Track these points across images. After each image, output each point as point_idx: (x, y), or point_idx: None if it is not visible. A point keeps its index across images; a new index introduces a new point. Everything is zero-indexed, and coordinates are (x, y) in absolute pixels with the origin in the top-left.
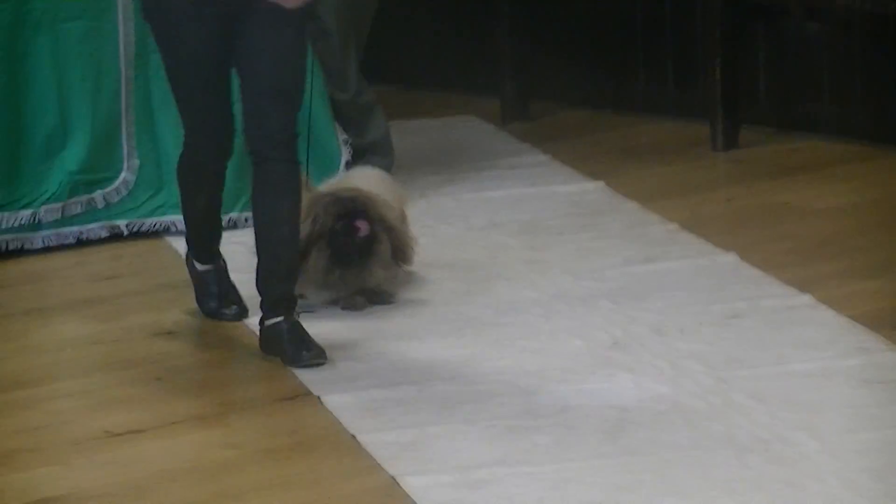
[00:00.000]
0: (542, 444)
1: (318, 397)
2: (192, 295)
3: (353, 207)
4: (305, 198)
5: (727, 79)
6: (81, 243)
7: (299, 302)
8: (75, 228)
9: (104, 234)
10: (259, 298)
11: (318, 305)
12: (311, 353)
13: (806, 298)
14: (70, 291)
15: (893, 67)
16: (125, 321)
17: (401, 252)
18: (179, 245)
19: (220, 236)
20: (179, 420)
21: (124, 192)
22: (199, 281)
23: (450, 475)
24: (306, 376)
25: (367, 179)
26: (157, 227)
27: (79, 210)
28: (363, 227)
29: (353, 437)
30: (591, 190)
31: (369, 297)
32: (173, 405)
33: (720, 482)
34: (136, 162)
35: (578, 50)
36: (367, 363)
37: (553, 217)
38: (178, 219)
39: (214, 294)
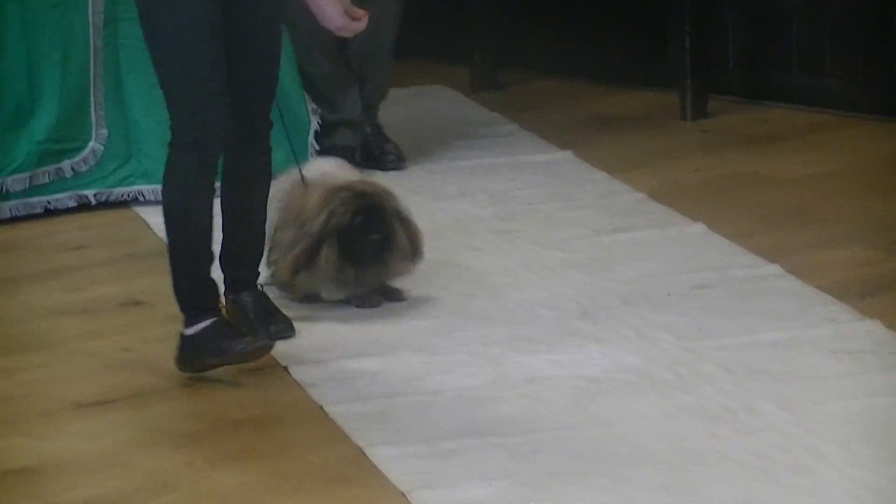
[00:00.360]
0: (511, 415)
1: (286, 368)
2: (162, 264)
3: (370, 204)
4: (319, 189)
5: (696, 48)
6: (49, 213)
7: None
8: (43, 198)
9: (72, 203)
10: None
11: (330, 302)
12: (278, 327)
13: (774, 268)
14: (38, 261)
15: (862, 36)
16: (93, 291)
17: (415, 246)
18: (148, 215)
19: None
20: (148, 391)
21: (92, 162)
22: (201, 343)
23: (417, 446)
24: (275, 347)
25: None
26: (125, 196)
27: (47, 180)
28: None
29: (321, 408)
30: (561, 160)
31: (385, 293)
32: (142, 376)
33: (688, 452)
34: (105, 132)
35: (549, 20)
36: (335, 335)
37: (522, 187)
38: (146, 188)
39: (229, 339)
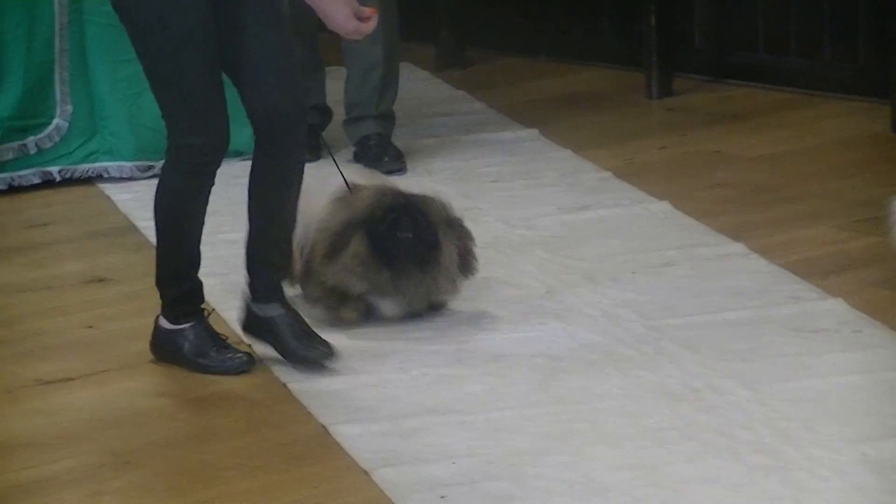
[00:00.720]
0: (474, 393)
1: (250, 346)
2: (126, 241)
3: (411, 205)
4: (366, 190)
5: (662, 27)
6: (13, 189)
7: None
8: (7, 175)
9: (36, 180)
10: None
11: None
12: (316, 351)
13: (739, 247)
14: (2, 238)
15: (827, 16)
16: (57, 268)
17: (466, 262)
18: (112, 192)
19: (201, 285)
20: (111, 368)
21: (57, 139)
22: (180, 343)
23: (381, 424)
24: (238, 324)
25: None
26: (89, 173)
27: (10, 156)
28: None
29: (285, 385)
30: (526, 138)
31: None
32: (105, 353)
33: (651, 431)
34: (69, 108)
35: None
36: (299, 312)
37: (487, 165)
38: (111, 164)
39: (210, 345)
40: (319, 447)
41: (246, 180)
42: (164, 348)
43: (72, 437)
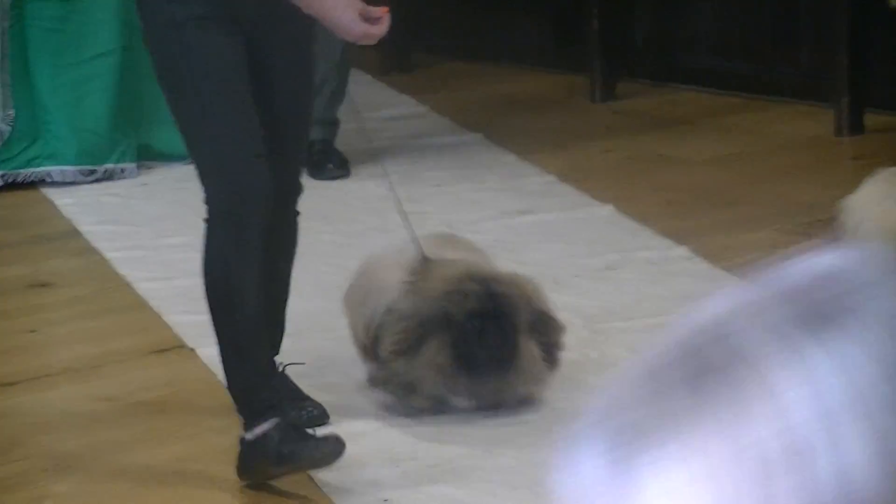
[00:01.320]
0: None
1: (193, 349)
2: (69, 246)
3: (495, 310)
4: (443, 270)
5: (606, 30)
6: None
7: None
8: None
9: None
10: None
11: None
12: (310, 413)
13: (682, 250)
14: None
15: (770, 19)
16: (0, 273)
17: (551, 356)
18: (55, 196)
19: (274, 371)
20: (53, 372)
21: None
22: (265, 449)
23: (327, 428)
24: (181, 328)
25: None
26: (32, 177)
27: None
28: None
29: (227, 390)
30: (470, 142)
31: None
32: (47, 357)
33: None
34: (12, 112)
35: (459, 1)
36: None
37: (431, 168)
38: (54, 169)
39: (296, 442)
40: None
41: (191, 184)
42: (252, 464)
43: (14, 442)
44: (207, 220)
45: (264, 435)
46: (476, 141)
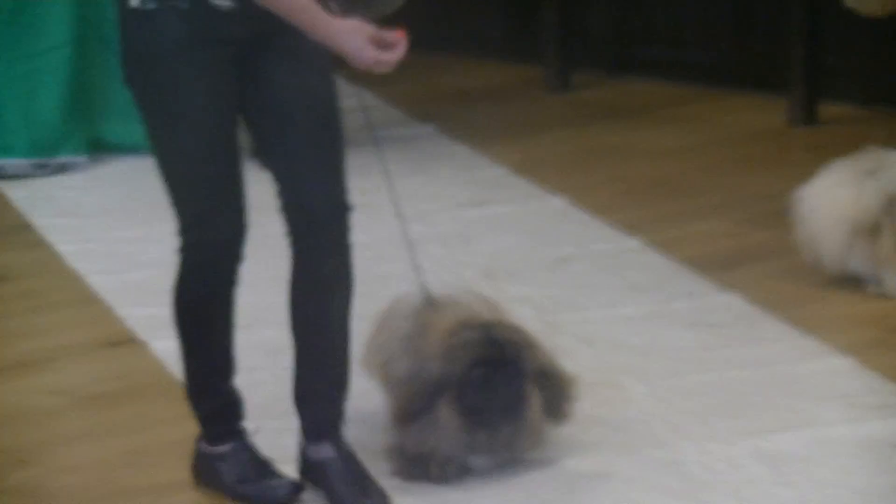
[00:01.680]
0: (368, 390)
1: (146, 342)
2: (23, 239)
3: (497, 355)
4: (445, 320)
5: (561, 21)
6: None
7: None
8: None
9: None
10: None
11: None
12: (371, 501)
13: (636, 242)
14: None
15: (725, 10)
16: None
17: (558, 407)
18: (7, 189)
19: (240, 401)
20: (4, 366)
21: None
22: (219, 468)
23: (277, 420)
24: (133, 321)
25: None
26: None
27: None
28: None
29: (181, 382)
30: (423, 134)
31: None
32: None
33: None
34: None
35: None
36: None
37: (384, 161)
38: (6, 162)
39: (251, 471)
40: None
41: (143, 177)
42: (203, 472)
43: None
44: (178, 251)
45: (221, 456)
46: (429, 133)
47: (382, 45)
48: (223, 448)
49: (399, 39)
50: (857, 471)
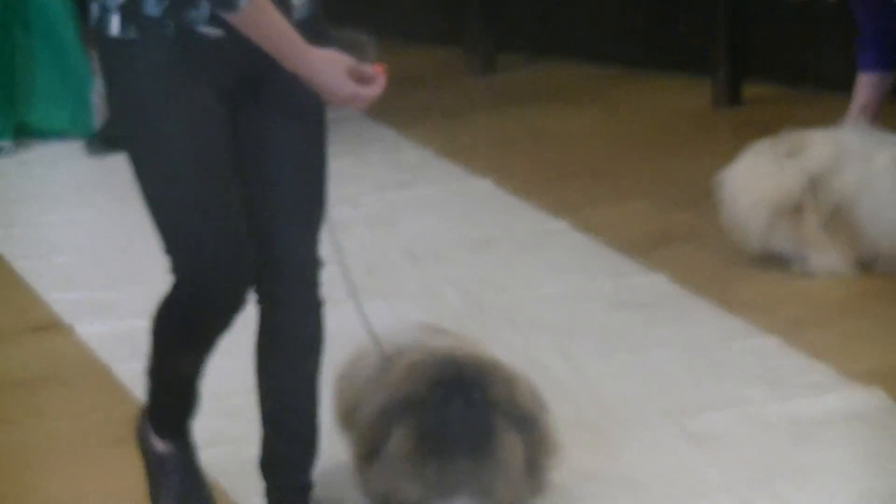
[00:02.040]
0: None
1: (72, 327)
2: None
3: (459, 374)
4: (405, 360)
5: (484, 4)
6: None
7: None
8: None
9: None
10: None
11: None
12: None
13: (561, 223)
14: None
15: None
16: None
17: (534, 464)
18: None
19: (197, 402)
20: None
21: None
22: (157, 467)
23: (205, 403)
24: (59, 306)
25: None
26: None
27: None
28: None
29: (107, 367)
30: (348, 117)
31: None
32: None
33: None
34: None
35: None
36: (122, 292)
37: None
38: None
39: (176, 489)
40: None
41: (68, 161)
42: (150, 475)
43: None
44: (172, 287)
45: (164, 458)
46: (354, 116)
47: (361, 80)
48: (168, 449)
49: (378, 74)
50: (785, 449)
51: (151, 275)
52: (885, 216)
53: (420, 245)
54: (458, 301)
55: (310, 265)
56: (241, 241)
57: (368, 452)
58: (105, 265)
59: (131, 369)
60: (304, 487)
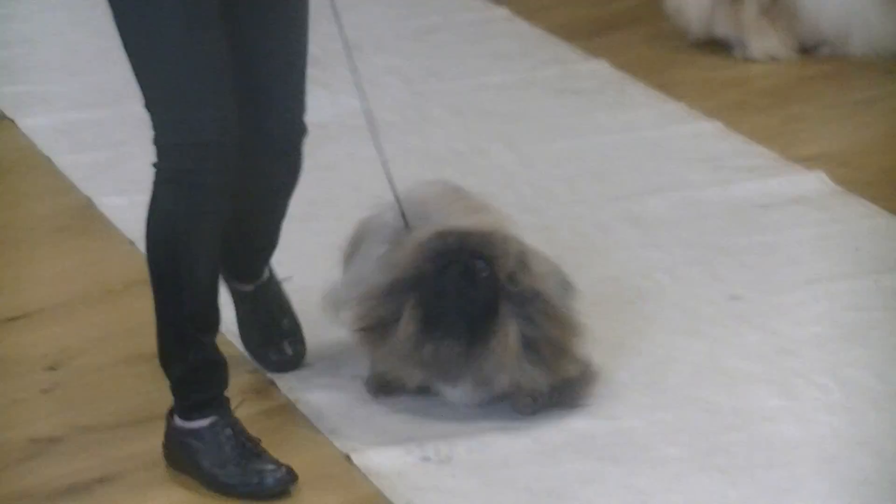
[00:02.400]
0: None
1: (13, 120)
2: None
3: (460, 246)
4: (412, 238)
5: None
6: None
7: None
8: None
9: None
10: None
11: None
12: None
13: (502, 11)
14: None
15: None
16: None
17: (554, 350)
18: None
19: (225, 366)
20: None
21: None
22: (194, 446)
23: (145, 195)
24: (1, 99)
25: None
26: None
27: None
28: (482, 269)
29: (49, 158)
30: None
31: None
32: None
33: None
34: None
35: None
36: (63, 85)
37: None
38: None
39: (232, 454)
40: (84, 219)
41: None
42: (177, 453)
43: None
44: (155, 168)
45: (196, 431)
46: None
47: None
48: (199, 423)
49: None
50: (724, 231)
51: (93, 67)
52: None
53: (361, 35)
54: (402, 91)
55: (297, 131)
56: (226, 102)
57: (376, 337)
58: (45, 58)
59: (72, 160)
60: (260, 267)
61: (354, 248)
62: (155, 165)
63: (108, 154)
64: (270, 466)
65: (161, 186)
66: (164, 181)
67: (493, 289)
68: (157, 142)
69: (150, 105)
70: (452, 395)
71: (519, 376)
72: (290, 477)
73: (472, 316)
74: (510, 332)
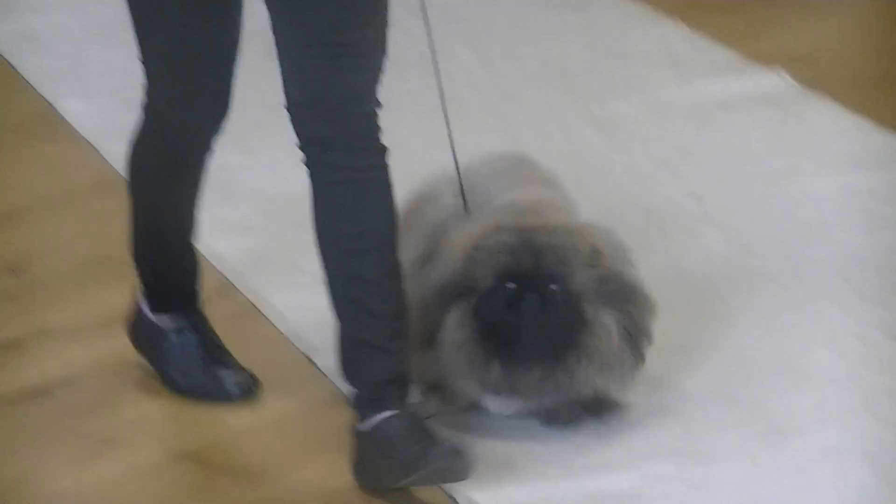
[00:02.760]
0: None
1: None
2: None
3: (535, 262)
4: (466, 230)
5: None
6: None
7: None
8: None
9: None
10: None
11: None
12: (440, 454)
13: None
14: None
15: None
16: None
17: (634, 340)
18: None
19: (197, 267)
20: None
21: None
22: (160, 343)
23: (106, 99)
24: None
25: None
26: None
27: None
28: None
29: (8, 62)
30: None
31: (585, 407)
32: None
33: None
34: None
35: None
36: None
37: None
38: None
39: (197, 360)
40: (45, 123)
41: None
42: (142, 338)
43: None
44: (142, 107)
45: (163, 331)
46: None
47: None
48: (167, 322)
49: None
50: (684, 130)
51: None
52: None
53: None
54: None
55: (365, 110)
56: (224, 86)
57: (424, 339)
58: None
59: (34, 65)
60: (400, 377)
61: (406, 225)
62: (144, 105)
63: (68, 57)
64: (233, 372)
65: (146, 133)
66: (147, 135)
67: (570, 307)
68: (147, 99)
69: (145, 70)
70: (496, 407)
71: (616, 377)
72: (253, 382)
73: (550, 338)
74: (612, 330)
